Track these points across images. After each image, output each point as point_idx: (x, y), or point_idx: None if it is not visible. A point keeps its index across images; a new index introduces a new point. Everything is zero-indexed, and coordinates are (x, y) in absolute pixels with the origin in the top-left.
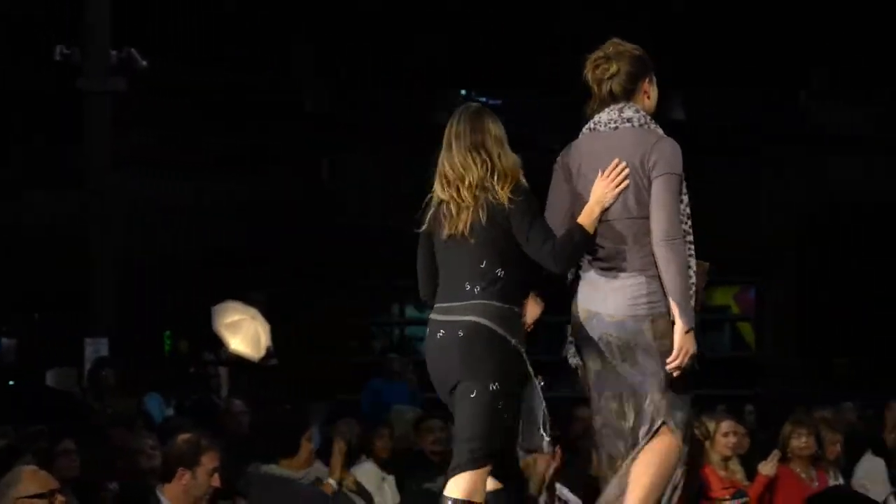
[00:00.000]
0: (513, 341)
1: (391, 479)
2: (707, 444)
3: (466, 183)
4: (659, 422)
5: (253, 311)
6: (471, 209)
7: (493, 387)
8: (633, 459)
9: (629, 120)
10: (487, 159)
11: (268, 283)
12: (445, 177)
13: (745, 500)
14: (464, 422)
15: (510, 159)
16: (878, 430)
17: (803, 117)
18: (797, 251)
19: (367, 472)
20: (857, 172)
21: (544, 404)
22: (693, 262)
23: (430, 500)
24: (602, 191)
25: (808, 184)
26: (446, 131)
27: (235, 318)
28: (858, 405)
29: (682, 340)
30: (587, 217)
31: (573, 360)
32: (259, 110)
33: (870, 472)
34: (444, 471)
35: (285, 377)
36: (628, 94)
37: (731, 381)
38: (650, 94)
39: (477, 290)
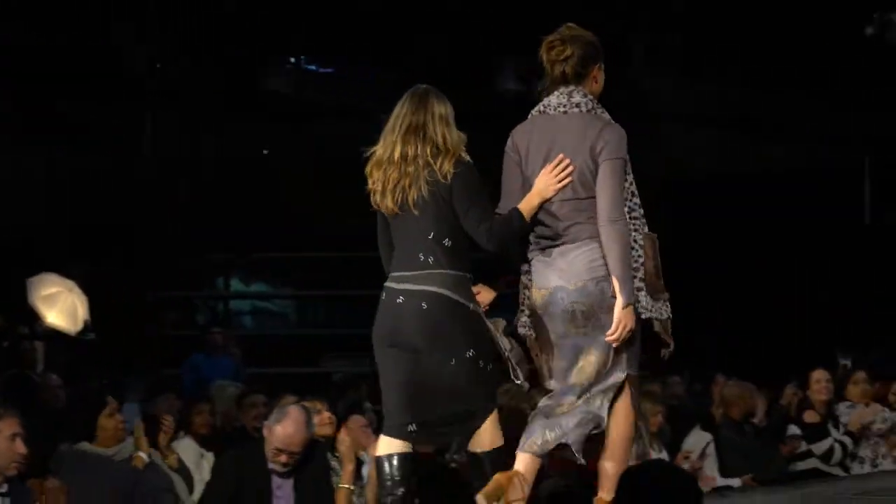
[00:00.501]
0: (471, 306)
1: (210, 455)
2: None
3: (409, 161)
4: (623, 375)
5: (70, 284)
6: (414, 185)
7: (469, 353)
8: (601, 408)
9: (578, 105)
10: (432, 137)
11: (86, 255)
12: (390, 157)
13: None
14: (452, 394)
15: (454, 137)
16: (705, 404)
17: (631, 89)
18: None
19: (186, 449)
20: (688, 146)
21: (509, 349)
22: (640, 236)
23: None
24: (545, 183)
25: (642, 157)
26: (394, 112)
27: (52, 290)
28: (687, 379)
29: (620, 314)
30: (527, 205)
31: (522, 330)
32: (75, 76)
33: (696, 447)
34: None
35: (103, 351)
36: (580, 77)
37: None
38: (598, 79)
39: (431, 260)
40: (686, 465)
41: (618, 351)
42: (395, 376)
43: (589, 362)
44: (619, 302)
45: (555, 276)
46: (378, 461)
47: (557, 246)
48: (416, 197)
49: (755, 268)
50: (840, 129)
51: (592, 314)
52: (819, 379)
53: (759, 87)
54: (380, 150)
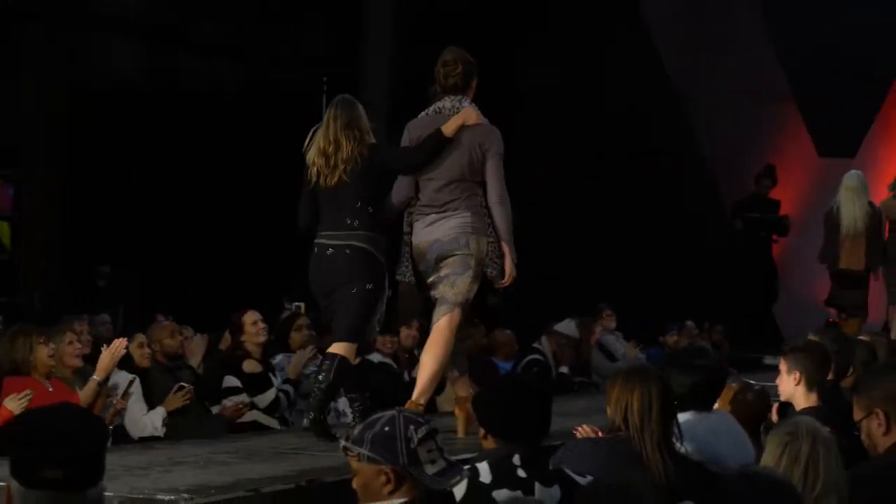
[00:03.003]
0: (381, 258)
1: None
2: None
3: (340, 150)
4: (456, 303)
5: None
6: (344, 167)
7: (368, 286)
8: (434, 325)
9: (468, 108)
10: (355, 131)
11: None
12: (325, 147)
13: None
14: (347, 310)
15: (367, 128)
16: None
17: None
18: (53, 143)
19: None
20: (127, 57)
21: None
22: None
23: None
24: (466, 115)
25: (72, 68)
26: (326, 113)
27: None
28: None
29: (510, 268)
30: (449, 127)
31: (400, 277)
32: None
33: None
34: None
35: None
36: (465, 88)
37: None
38: (475, 89)
39: (356, 223)
40: (111, 406)
41: (466, 270)
42: (325, 305)
43: (445, 291)
44: (509, 260)
45: (436, 233)
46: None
47: (441, 213)
48: (345, 175)
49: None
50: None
51: (452, 255)
52: (255, 321)
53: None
54: (318, 142)
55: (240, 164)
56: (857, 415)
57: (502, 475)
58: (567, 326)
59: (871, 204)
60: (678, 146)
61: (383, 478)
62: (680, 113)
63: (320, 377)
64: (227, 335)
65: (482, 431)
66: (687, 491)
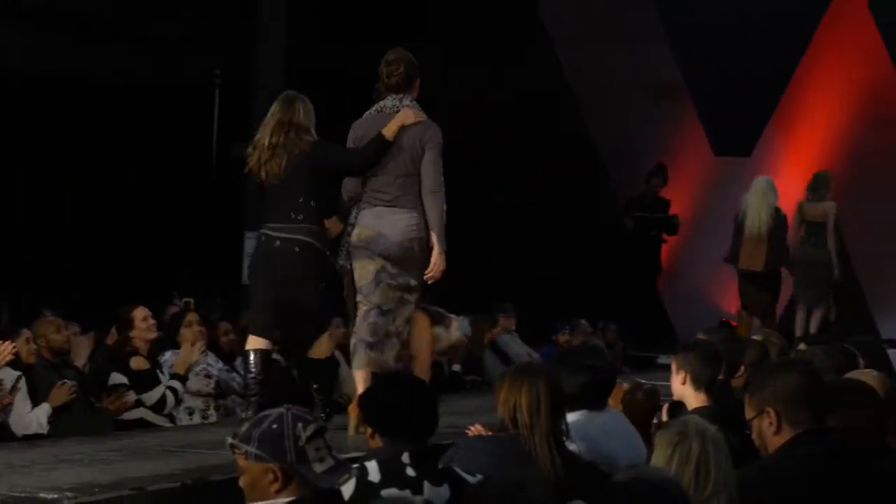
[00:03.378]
0: (325, 249)
1: None
2: None
3: (272, 144)
4: (413, 305)
5: None
6: (281, 161)
7: (322, 285)
8: (407, 330)
9: (407, 107)
10: (296, 126)
11: None
12: (267, 142)
13: None
14: (310, 315)
15: (308, 124)
16: None
17: None
18: None
19: None
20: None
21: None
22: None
23: None
24: (404, 116)
25: None
26: (270, 110)
27: None
28: None
29: (437, 258)
30: (390, 130)
31: (342, 262)
32: None
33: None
34: None
35: None
36: (406, 87)
37: None
38: (417, 88)
39: (300, 217)
40: None
41: (419, 292)
42: (264, 296)
43: (390, 289)
44: (437, 249)
45: (383, 226)
46: (245, 354)
47: (388, 207)
48: (287, 169)
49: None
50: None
51: (401, 259)
52: (145, 317)
53: None
54: (259, 138)
55: (129, 157)
56: (749, 413)
57: (391, 474)
58: (461, 325)
59: (777, 209)
60: (572, 143)
61: (270, 476)
62: (574, 109)
63: (252, 369)
64: (113, 331)
65: (369, 430)
66: (577, 489)
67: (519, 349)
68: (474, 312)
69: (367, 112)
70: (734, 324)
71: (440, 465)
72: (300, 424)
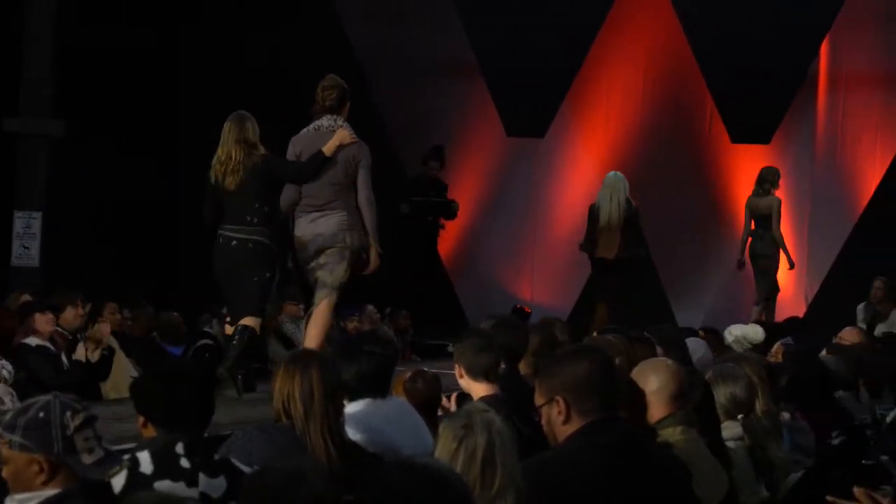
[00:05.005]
0: (274, 247)
1: None
2: None
3: (234, 159)
4: (334, 287)
5: None
6: (240, 173)
7: (267, 274)
8: (315, 307)
9: (341, 126)
10: (248, 142)
11: None
12: (221, 156)
13: None
14: (252, 294)
15: (256, 139)
16: None
17: None
18: None
19: None
20: None
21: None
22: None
23: None
24: (341, 136)
25: None
26: (224, 127)
27: None
28: None
29: (375, 257)
30: (329, 148)
31: (291, 265)
32: None
33: None
34: None
35: None
36: (339, 109)
37: None
38: (347, 110)
39: (255, 220)
40: None
41: (342, 261)
42: (227, 290)
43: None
44: (374, 250)
45: (317, 228)
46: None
47: (321, 212)
48: (243, 179)
49: None
50: None
51: (329, 248)
52: None
53: None
54: (221, 154)
55: None
56: (538, 400)
57: (164, 465)
58: None
59: (628, 200)
60: (361, 124)
61: (36, 467)
62: (363, 88)
63: (234, 342)
64: None
65: (141, 419)
66: (354, 480)
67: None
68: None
69: (305, 129)
70: (528, 310)
71: (217, 457)
72: (69, 413)
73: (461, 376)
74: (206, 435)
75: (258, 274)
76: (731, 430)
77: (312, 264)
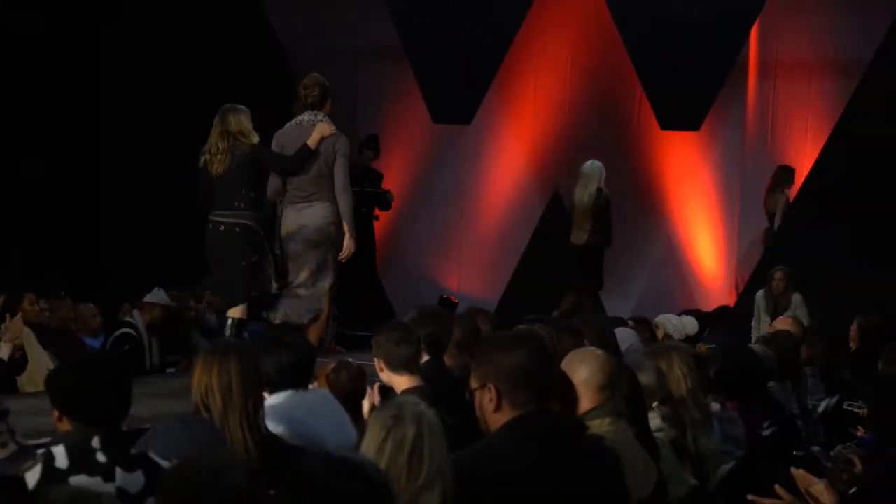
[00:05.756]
0: (261, 232)
1: None
2: None
3: (220, 149)
4: (331, 281)
5: None
6: (226, 161)
7: (253, 258)
8: (319, 301)
9: (321, 121)
10: (239, 131)
11: None
12: (210, 145)
13: None
14: (240, 281)
15: (248, 128)
16: None
17: None
18: None
19: None
20: None
21: (272, 261)
22: None
23: None
24: (322, 129)
25: None
26: (215, 119)
27: None
28: None
29: (348, 242)
30: (312, 140)
31: (276, 252)
32: None
33: None
34: None
35: None
36: (320, 105)
37: None
38: (329, 106)
39: (242, 206)
40: None
41: (327, 266)
42: (216, 274)
43: (310, 269)
44: (349, 236)
45: (303, 218)
46: (223, 319)
47: (308, 202)
48: (231, 166)
49: None
50: None
51: (319, 242)
52: None
53: None
54: (209, 144)
55: None
56: (472, 383)
57: (80, 460)
58: (158, 296)
59: (599, 189)
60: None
61: None
62: (285, 74)
63: (226, 333)
64: None
65: (56, 413)
66: (275, 473)
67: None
68: (179, 287)
69: (288, 124)
70: (455, 301)
71: (134, 451)
72: None
73: (381, 370)
74: (123, 428)
75: (245, 258)
76: (651, 420)
77: (301, 258)
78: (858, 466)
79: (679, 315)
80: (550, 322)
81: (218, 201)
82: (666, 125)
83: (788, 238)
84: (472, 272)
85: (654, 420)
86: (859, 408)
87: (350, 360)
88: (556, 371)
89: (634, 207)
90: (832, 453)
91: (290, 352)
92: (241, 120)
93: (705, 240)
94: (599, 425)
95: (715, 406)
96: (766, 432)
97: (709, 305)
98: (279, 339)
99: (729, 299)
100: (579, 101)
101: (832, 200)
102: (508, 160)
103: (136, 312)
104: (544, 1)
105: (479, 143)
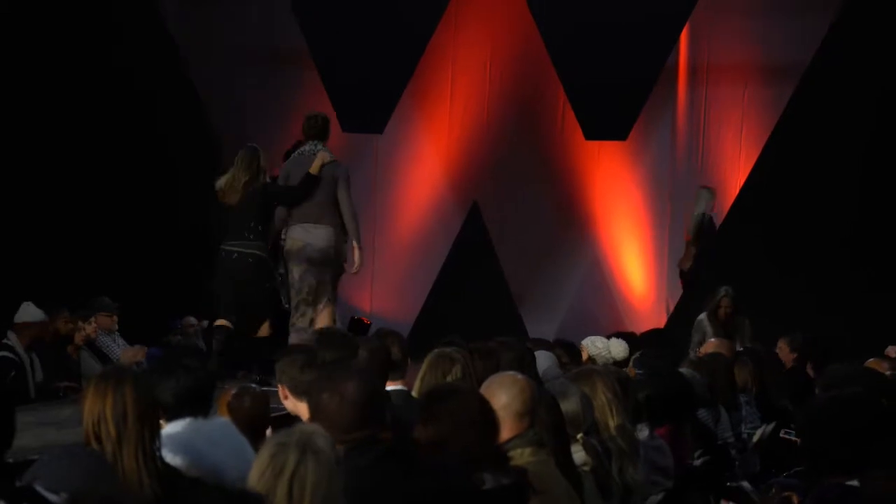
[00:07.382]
0: (270, 262)
1: None
2: None
3: (236, 187)
4: (329, 298)
5: None
6: (240, 192)
7: (267, 286)
8: (318, 315)
9: (321, 150)
10: (250, 175)
11: None
12: (229, 182)
13: None
14: (261, 306)
15: (260, 168)
16: None
17: None
18: None
19: None
20: None
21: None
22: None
23: None
24: (322, 157)
25: None
26: (241, 153)
27: None
28: None
29: (359, 259)
30: (314, 169)
31: (280, 270)
32: None
33: None
34: None
35: None
36: (321, 136)
37: None
38: (329, 135)
39: (252, 237)
40: None
41: (332, 285)
42: (229, 294)
43: (310, 286)
44: (358, 254)
45: (309, 237)
46: (216, 328)
47: (313, 224)
48: (243, 202)
49: None
50: None
51: (323, 262)
52: None
53: None
54: (228, 176)
55: None
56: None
57: None
58: (29, 311)
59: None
60: (181, 121)
61: None
62: (185, 79)
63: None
64: None
65: None
66: None
67: (121, 351)
68: (72, 309)
69: (293, 155)
70: (367, 322)
71: (19, 483)
72: None
73: (286, 397)
74: (8, 460)
75: (261, 287)
76: (575, 454)
77: (305, 275)
78: (796, 502)
79: (608, 337)
80: (464, 345)
81: (231, 232)
82: (591, 135)
83: (722, 256)
84: (385, 292)
85: (578, 453)
86: (796, 436)
87: (253, 385)
88: (478, 397)
89: (556, 221)
90: (765, 485)
91: (187, 376)
92: (258, 159)
93: (634, 257)
94: (520, 455)
95: (643, 434)
96: (696, 462)
97: (639, 327)
98: (176, 362)
99: (660, 321)
100: (499, 108)
101: (766, 213)
102: (424, 172)
103: (10, 333)
104: (461, 4)
105: (392, 153)
